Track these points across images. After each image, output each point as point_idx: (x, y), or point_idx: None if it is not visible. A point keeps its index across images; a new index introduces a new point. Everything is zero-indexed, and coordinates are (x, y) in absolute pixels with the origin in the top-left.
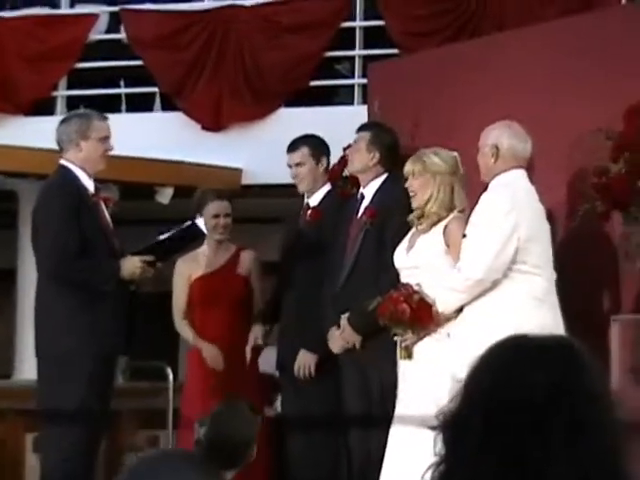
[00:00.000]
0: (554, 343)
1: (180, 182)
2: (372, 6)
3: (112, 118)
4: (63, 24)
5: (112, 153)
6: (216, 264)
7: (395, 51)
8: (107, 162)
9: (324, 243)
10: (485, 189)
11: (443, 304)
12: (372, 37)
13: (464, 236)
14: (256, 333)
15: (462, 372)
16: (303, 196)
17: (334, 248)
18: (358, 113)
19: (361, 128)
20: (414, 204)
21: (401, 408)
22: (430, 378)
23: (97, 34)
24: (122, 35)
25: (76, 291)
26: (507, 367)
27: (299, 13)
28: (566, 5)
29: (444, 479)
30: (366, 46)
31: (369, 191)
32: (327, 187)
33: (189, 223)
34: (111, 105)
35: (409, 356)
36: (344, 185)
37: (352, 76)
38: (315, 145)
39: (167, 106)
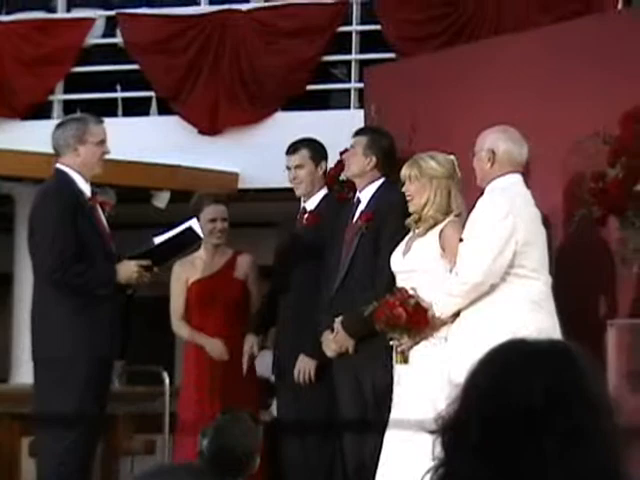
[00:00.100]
0: (552, 348)
1: (176, 186)
2: (368, 11)
3: (108, 122)
4: (59, 28)
5: (108, 157)
6: (213, 268)
7: (391, 55)
8: (104, 166)
9: (321, 247)
10: (481, 194)
11: (440, 308)
12: (368, 41)
13: (461, 240)
14: (250, 343)
15: (459, 376)
16: (299, 200)
17: (330, 252)
18: (354, 117)
19: (358, 132)
20: (411, 208)
21: (397, 412)
22: (426, 382)
23: (93, 38)
24: (118, 39)
25: (73, 295)
26: (505, 372)
27: (295, 17)
28: (562, 10)
29: None
30: (362, 50)
31: (365, 195)
32: (324, 191)
33: (185, 227)
34: (108, 109)
35: (405, 360)
36: (340, 189)
37: (348, 80)
38: (315, 148)
39: (163, 110)
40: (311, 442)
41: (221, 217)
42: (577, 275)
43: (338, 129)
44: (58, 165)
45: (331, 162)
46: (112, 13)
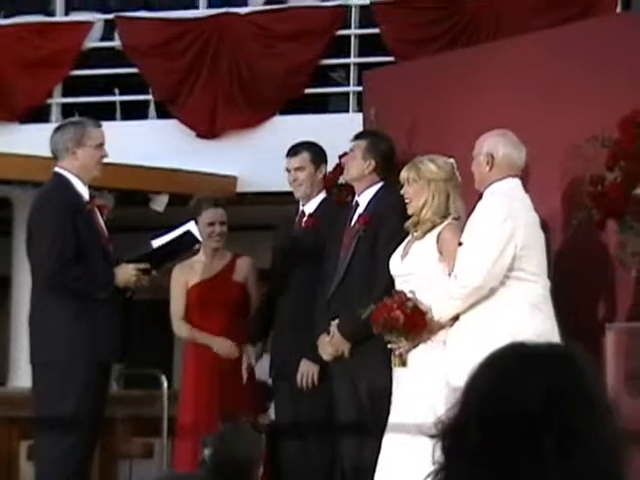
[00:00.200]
0: (552, 351)
1: (175, 190)
2: (367, 14)
3: (107, 126)
4: (58, 31)
5: (107, 161)
6: (212, 271)
7: (390, 59)
8: (102, 169)
9: (320, 250)
10: (480, 197)
11: (439, 311)
12: (367, 45)
13: (460, 244)
14: (249, 354)
15: (458, 380)
16: (298, 204)
17: (328, 256)
18: (353, 121)
19: (357, 136)
20: (409, 210)
21: (395, 415)
22: (425, 385)
23: (92, 42)
24: (117, 42)
25: (71, 299)
26: (505, 376)
27: (294, 21)
28: (561, 14)
29: None
30: (361, 54)
31: (364, 199)
32: (322, 195)
33: (183, 230)
34: (106, 112)
35: (403, 364)
36: (339, 193)
37: (347, 84)
38: (316, 152)
39: (162, 114)
40: (311, 445)
41: (220, 221)
42: (576, 278)
43: (337, 133)
44: (56, 169)
45: (330, 166)
46: (110, 16)
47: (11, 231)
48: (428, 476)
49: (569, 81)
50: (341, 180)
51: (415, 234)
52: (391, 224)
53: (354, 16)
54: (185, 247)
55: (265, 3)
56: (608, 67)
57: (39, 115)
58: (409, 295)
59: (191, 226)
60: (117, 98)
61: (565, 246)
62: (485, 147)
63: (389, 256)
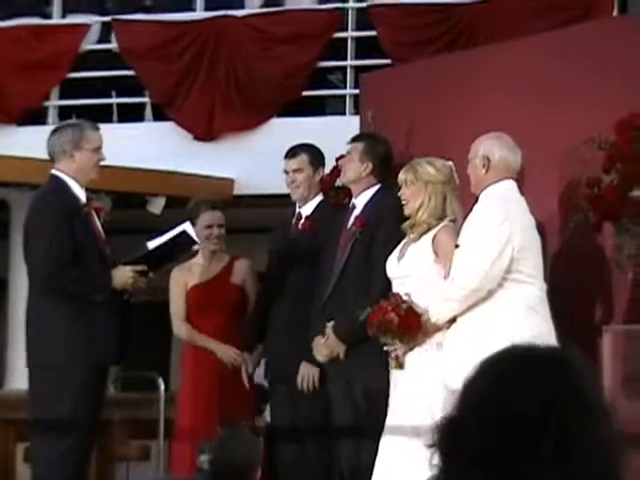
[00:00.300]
0: (549, 354)
1: (172, 192)
2: (364, 17)
3: (104, 128)
4: (55, 34)
5: (104, 163)
6: (210, 274)
7: (387, 61)
8: (99, 172)
9: (317, 253)
10: (477, 200)
11: (436, 313)
12: (364, 47)
13: (457, 246)
14: (247, 363)
15: (456, 382)
16: (295, 206)
17: (325, 258)
18: (350, 123)
19: (354, 139)
20: (406, 212)
21: (393, 417)
22: (422, 387)
23: (89, 44)
24: (114, 45)
25: (68, 301)
26: (502, 379)
27: (291, 24)
28: (558, 17)
29: None
30: (358, 56)
31: (361, 201)
32: (319, 197)
33: (179, 231)
34: (103, 115)
35: (400, 366)
36: (336, 195)
37: (344, 86)
38: (314, 154)
39: (159, 116)
40: (308, 448)
41: (217, 223)
42: (572, 281)
43: (334, 135)
44: (53, 171)
45: (327, 168)
46: (107, 19)
47: (8, 233)
48: None
49: (565, 84)
50: (338, 182)
51: (411, 236)
52: (388, 226)
53: (351, 19)
54: (182, 248)
55: (262, 6)
56: (604, 70)
57: (36, 117)
58: (404, 297)
59: (187, 226)
60: (114, 100)
61: (562, 248)
62: (481, 150)
63: (385, 258)
